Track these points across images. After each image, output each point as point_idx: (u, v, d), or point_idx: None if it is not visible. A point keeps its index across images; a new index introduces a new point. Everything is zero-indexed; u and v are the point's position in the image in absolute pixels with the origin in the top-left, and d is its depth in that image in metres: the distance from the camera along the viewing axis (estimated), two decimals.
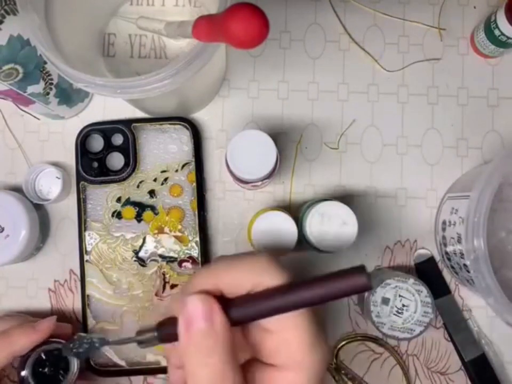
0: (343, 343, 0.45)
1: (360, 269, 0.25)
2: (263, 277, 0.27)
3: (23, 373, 0.40)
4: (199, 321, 0.26)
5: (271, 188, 0.47)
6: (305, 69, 0.49)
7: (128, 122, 0.46)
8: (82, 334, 0.31)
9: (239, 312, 0.27)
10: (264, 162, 0.38)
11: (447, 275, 0.46)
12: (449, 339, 0.46)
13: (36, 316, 0.46)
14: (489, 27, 0.45)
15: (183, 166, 0.46)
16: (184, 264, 0.45)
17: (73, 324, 0.46)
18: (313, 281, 0.26)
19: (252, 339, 0.28)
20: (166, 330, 0.27)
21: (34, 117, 0.48)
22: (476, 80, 0.48)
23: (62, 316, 0.46)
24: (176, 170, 0.46)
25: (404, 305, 0.41)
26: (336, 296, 0.26)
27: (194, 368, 0.25)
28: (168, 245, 0.46)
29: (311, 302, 0.26)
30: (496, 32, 0.44)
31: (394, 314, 0.41)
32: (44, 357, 0.40)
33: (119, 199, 0.46)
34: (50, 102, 0.43)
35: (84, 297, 0.45)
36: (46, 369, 0.40)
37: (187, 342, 0.26)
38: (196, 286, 0.27)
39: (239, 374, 0.26)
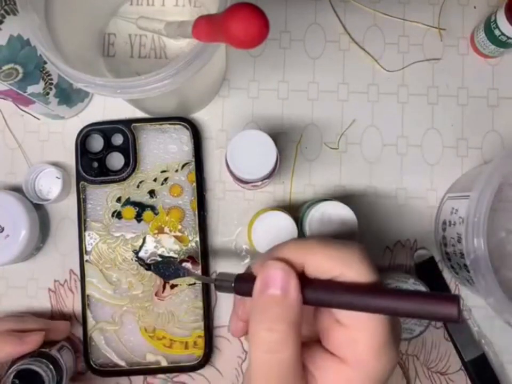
0: None
1: (454, 299, 0.24)
2: (352, 269, 0.27)
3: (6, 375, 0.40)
4: (275, 287, 0.26)
5: (271, 188, 0.47)
6: (305, 69, 0.49)
7: (128, 122, 0.46)
8: (172, 259, 0.33)
9: (316, 295, 0.27)
10: (264, 162, 0.38)
11: (447, 275, 0.46)
12: (449, 339, 0.46)
13: (36, 316, 0.46)
14: (489, 27, 0.45)
15: (183, 166, 0.46)
16: (184, 264, 0.45)
17: (73, 324, 0.46)
18: (402, 293, 0.26)
19: (321, 323, 0.28)
20: (243, 284, 0.29)
21: (34, 117, 0.48)
22: (476, 80, 0.48)
23: (62, 316, 0.46)
24: (176, 170, 0.46)
25: None
26: (420, 316, 0.25)
27: (260, 329, 0.26)
28: (168, 245, 0.46)
29: (393, 313, 0.25)
30: (496, 32, 0.44)
31: None
32: (23, 371, 0.39)
33: (119, 199, 0.46)
34: (50, 102, 0.43)
35: (84, 297, 0.45)
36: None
37: (259, 302, 0.27)
38: (282, 253, 0.28)
39: (298, 349, 0.26)
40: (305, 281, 0.27)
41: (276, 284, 0.26)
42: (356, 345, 0.26)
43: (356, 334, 0.26)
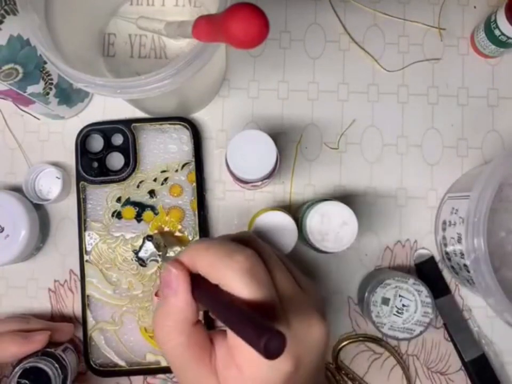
0: (344, 343, 0.45)
1: (265, 335, 0.23)
2: (231, 282, 0.28)
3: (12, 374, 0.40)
4: (168, 287, 0.29)
5: (271, 187, 0.47)
6: (305, 69, 0.49)
7: (128, 122, 0.46)
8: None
9: (200, 297, 0.29)
10: (264, 162, 0.38)
11: (447, 275, 0.46)
12: (449, 339, 0.46)
13: (36, 316, 0.46)
14: (489, 27, 0.45)
15: (183, 166, 0.46)
16: None
17: (73, 324, 0.46)
18: (235, 312, 0.25)
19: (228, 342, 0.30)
20: None
21: (34, 117, 0.48)
22: (476, 80, 0.48)
23: (62, 316, 0.46)
24: (176, 170, 0.46)
25: (404, 305, 0.41)
26: (241, 336, 0.24)
27: (158, 325, 0.30)
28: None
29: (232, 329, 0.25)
30: (496, 32, 0.44)
31: (394, 314, 0.41)
32: (28, 370, 0.39)
33: (119, 199, 0.46)
34: (50, 102, 0.43)
35: (84, 297, 0.45)
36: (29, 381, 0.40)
37: (157, 301, 0.31)
38: (183, 255, 0.31)
39: (188, 337, 0.29)
40: (198, 282, 0.29)
41: (169, 285, 0.29)
42: (239, 349, 0.28)
43: (238, 341, 0.26)
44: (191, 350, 0.29)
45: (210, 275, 0.29)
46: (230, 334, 0.29)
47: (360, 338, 0.45)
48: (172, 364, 0.30)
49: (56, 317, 0.46)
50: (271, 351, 0.22)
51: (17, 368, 0.39)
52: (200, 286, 0.29)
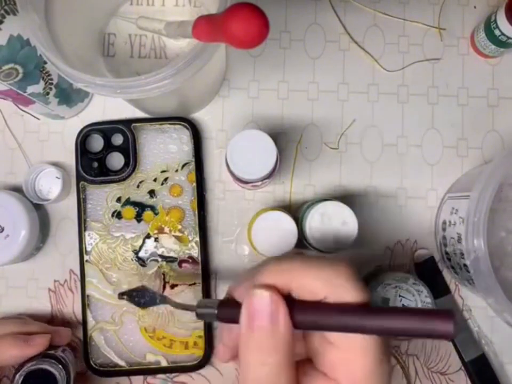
0: None
1: (449, 314, 0.23)
2: (340, 290, 0.26)
3: (17, 377, 0.39)
4: (264, 318, 0.25)
5: (271, 187, 0.47)
6: (305, 69, 0.49)
7: (128, 122, 0.46)
8: (146, 286, 0.31)
9: (306, 318, 0.26)
10: (264, 162, 0.38)
11: (447, 275, 0.46)
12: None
13: (36, 316, 0.46)
14: (489, 27, 0.45)
15: (183, 166, 0.46)
16: (184, 264, 0.46)
17: (73, 324, 0.46)
18: (395, 312, 0.25)
19: (312, 343, 0.27)
20: (227, 311, 0.27)
21: (34, 117, 0.48)
22: (476, 80, 0.48)
23: (62, 315, 0.46)
24: (176, 170, 0.46)
25: (404, 305, 0.41)
26: (415, 335, 0.24)
27: (252, 364, 0.25)
28: (168, 245, 0.46)
29: (387, 333, 0.25)
30: (496, 32, 0.44)
31: None
32: (33, 372, 0.39)
33: (119, 199, 0.46)
34: (50, 102, 0.43)
35: (84, 297, 0.45)
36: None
37: (248, 335, 0.25)
38: (266, 278, 0.26)
39: (294, 376, 0.25)
40: (293, 305, 0.26)
41: (263, 315, 0.25)
42: (349, 366, 0.25)
43: (349, 355, 0.25)
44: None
45: (315, 290, 0.26)
46: (336, 349, 0.26)
47: None
48: None
49: (56, 317, 0.46)
50: (457, 329, 0.23)
51: (21, 371, 0.39)
52: (300, 309, 0.26)
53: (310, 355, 0.28)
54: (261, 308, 0.25)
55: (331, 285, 0.26)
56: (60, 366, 0.40)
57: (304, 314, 0.26)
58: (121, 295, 0.35)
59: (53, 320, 0.46)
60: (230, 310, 0.27)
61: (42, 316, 0.46)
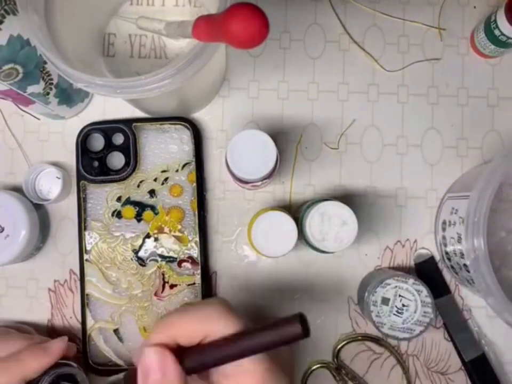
0: (344, 343, 0.45)
1: (295, 318, 0.26)
2: (214, 326, 0.28)
3: None
4: (155, 372, 0.27)
5: (271, 187, 0.47)
6: (305, 69, 0.49)
7: (129, 122, 0.46)
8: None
9: (193, 362, 0.28)
10: (264, 162, 0.38)
11: (447, 275, 0.46)
12: (449, 339, 0.46)
13: (36, 316, 0.46)
14: (489, 27, 0.45)
15: (184, 166, 0.46)
16: (183, 264, 0.46)
17: (73, 324, 0.46)
18: (255, 330, 0.27)
19: (211, 379, 0.29)
20: (133, 381, 0.29)
21: (34, 117, 0.48)
22: (476, 80, 0.48)
23: (62, 315, 0.46)
24: (177, 170, 0.46)
25: (404, 305, 0.41)
26: (273, 345, 0.27)
27: None
28: (168, 244, 0.46)
29: (252, 351, 0.27)
30: (496, 32, 0.44)
31: (394, 314, 0.41)
32: (55, 380, 0.39)
33: (119, 199, 0.46)
34: (50, 102, 0.43)
35: (83, 296, 0.45)
36: None
37: None
38: (154, 339, 0.29)
39: None
40: (182, 352, 0.28)
41: (154, 369, 0.27)
42: None
43: (239, 380, 0.28)
44: None
45: (194, 333, 0.29)
46: (228, 380, 0.28)
47: (359, 338, 0.46)
48: None
49: (56, 317, 0.46)
50: (307, 328, 0.26)
51: (42, 382, 0.38)
52: (188, 354, 0.29)
53: None
54: (151, 363, 0.28)
55: (205, 323, 0.29)
56: (79, 368, 0.40)
57: (192, 359, 0.28)
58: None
59: (53, 320, 0.46)
60: (135, 378, 0.29)
61: (43, 316, 0.46)
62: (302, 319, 0.26)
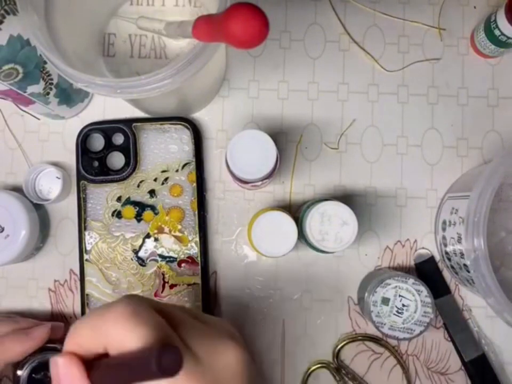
0: (344, 343, 0.45)
1: (153, 353, 0.21)
2: (110, 337, 0.25)
3: (19, 373, 0.39)
4: (64, 381, 0.25)
5: (271, 187, 0.47)
6: (305, 69, 0.49)
7: (129, 122, 0.46)
8: None
9: (96, 378, 0.25)
10: (264, 162, 0.38)
11: (447, 275, 0.46)
12: (449, 339, 0.46)
13: (36, 316, 0.46)
14: (489, 27, 0.45)
15: (184, 166, 0.46)
16: (183, 264, 0.46)
17: (64, 323, 0.46)
18: (117, 360, 0.24)
19: None
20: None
21: (34, 117, 0.48)
22: (476, 80, 0.48)
23: (62, 315, 0.46)
24: (177, 170, 0.46)
25: (404, 305, 0.41)
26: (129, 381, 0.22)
27: None
28: (168, 244, 0.46)
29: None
30: (496, 32, 0.44)
31: (394, 314, 0.41)
32: (39, 364, 0.40)
33: (119, 199, 0.46)
34: (50, 102, 0.43)
35: (83, 296, 0.45)
36: (41, 376, 0.40)
37: None
38: (65, 346, 0.26)
39: None
40: (94, 363, 0.25)
41: (59, 379, 0.25)
42: None
43: None
44: None
45: (95, 343, 0.25)
46: None
47: (360, 338, 0.45)
48: None
49: (56, 317, 0.46)
50: (167, 365, 0.21)
51: (26, 366, 0.39)
52: (94, 368, 0.25)
53: None
54: (57, 375, 0.25)
55: (100, 334, 0.25)
56: None
57: (96, 374, 0.25)
58: None
59: (53, 320, 0.46)
60: None
61: (42, 316, 0.46)
62: (163, 356, 0.21)
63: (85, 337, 0.26)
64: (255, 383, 0.30)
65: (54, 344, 0.41)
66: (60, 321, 0.46)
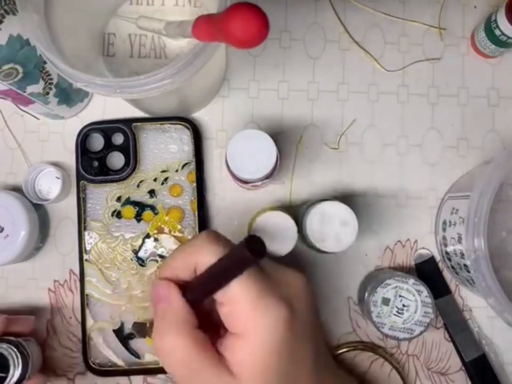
0: (341, 351, 0.45)
1: (243, 243, 0.26)
2: (199, 256, 0.31)
3: None
4: (161, 301, 0.31)
5: (271, 187, 0.47)
6: (305, 69, 0.49)
7: (128, 122, 0.46)
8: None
9: (190, 294, 0.31)
10: (264, 162, 0.38)
11: (447, 275, 0.46)
12: (449, 339, 0.46)
13: (36, 316, 0.46)
14: (489, 27, 0.45)
15: (184, 166, 0.46)
16: None
17: (73, 324, 0.46)
18: (219, 260, 0.29)
19: (217, 313, 0.31)
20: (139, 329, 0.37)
21: (34, 117, 0.48)
22: (476, 80, 0.48)
23: (61, 316, 0.46)
24: (177, 170, 0.46)
25: (404, 306, 0.41)
26: (229, 271, 0.28)
27: (159, 336, 0.31)
28: (168, 245, 0.46)
29: (215, 280, 0.29)
30: (497, 32, 0.44)
31: (394, 314, 0.41)
32: None
33: (119, 199, 0.46)
34: (50, 102, 0.43)
35: (83, 296, 0.45)
36: None
37: (155, 316, 0.32)
38: (160, 274, 0.33)
39: (195, 342, 0.30)
40: (187, 285, 0.32)
41: (162, 298, 0.31)
42: (235, 316, 0.30)
43: (231, 305, 0.30)
44: (201, 354, 0.30)
45: (185, 266, 0.31)
46: (224, 306, 0.30)
47: (360, 348, 0.45)
48: (180, 376, 0.31)
49: (56, 317, 0.46)
50: (256, 247, 0.26)
51: None
52: (187, 287, 0.32)
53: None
54: (159, 293, 0.32)
55: (191, 256, 0.31)
56: (15, 349, 0.40)
57: (189, 291, 0.31)
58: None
59: (52, 320, 0.46)
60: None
61: (42, 316, 0.46)
62: (250, 242, 0.26)
63: (179, 260, 0.32)
64: (316, 315, 0.35)
65: (15, 338, 0.41)
66: (59, 321, 0.46)
